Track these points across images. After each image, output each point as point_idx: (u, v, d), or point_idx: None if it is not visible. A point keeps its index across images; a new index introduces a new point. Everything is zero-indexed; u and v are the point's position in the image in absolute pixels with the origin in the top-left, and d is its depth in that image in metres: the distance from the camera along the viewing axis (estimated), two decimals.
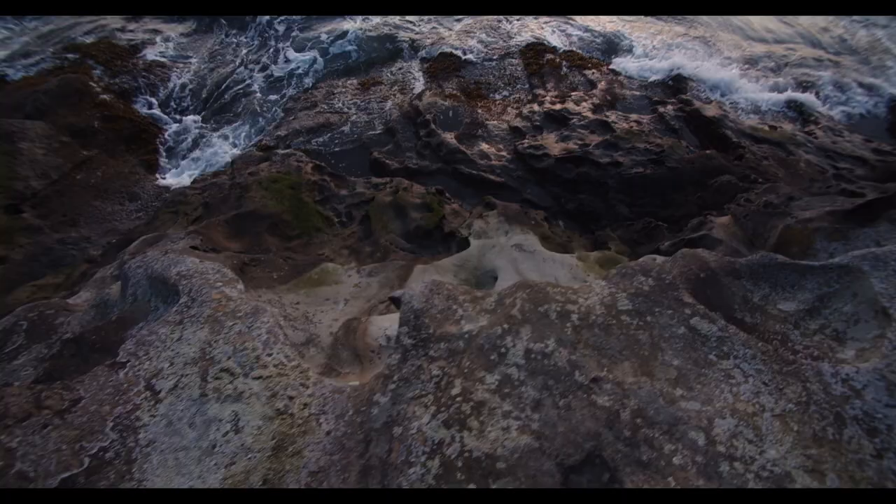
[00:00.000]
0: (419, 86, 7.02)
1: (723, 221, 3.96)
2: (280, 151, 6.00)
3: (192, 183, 5.75)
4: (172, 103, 7.17)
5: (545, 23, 7.94)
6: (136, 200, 5.92)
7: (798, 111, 6.62)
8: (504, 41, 7.74)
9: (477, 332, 1.72)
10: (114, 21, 7.99)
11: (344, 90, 7.10)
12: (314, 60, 7.81)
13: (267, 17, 8.39)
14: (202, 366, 1.84)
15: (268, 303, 3.08)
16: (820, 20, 8.41)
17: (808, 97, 6.78)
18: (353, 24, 8.25)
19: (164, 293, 2.21)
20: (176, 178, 6.21)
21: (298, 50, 8.01)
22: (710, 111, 5.92)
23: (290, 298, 3.21)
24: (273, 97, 7.31)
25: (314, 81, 7.41)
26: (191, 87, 7.48)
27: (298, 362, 1.89)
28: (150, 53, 7.73)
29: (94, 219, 5.72)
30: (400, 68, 7.41)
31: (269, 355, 1.88)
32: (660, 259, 2.17)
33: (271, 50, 8.06)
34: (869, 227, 2.99)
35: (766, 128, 6.02)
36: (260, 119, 7.01)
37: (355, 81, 7.28)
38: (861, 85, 7.13)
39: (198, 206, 4.80)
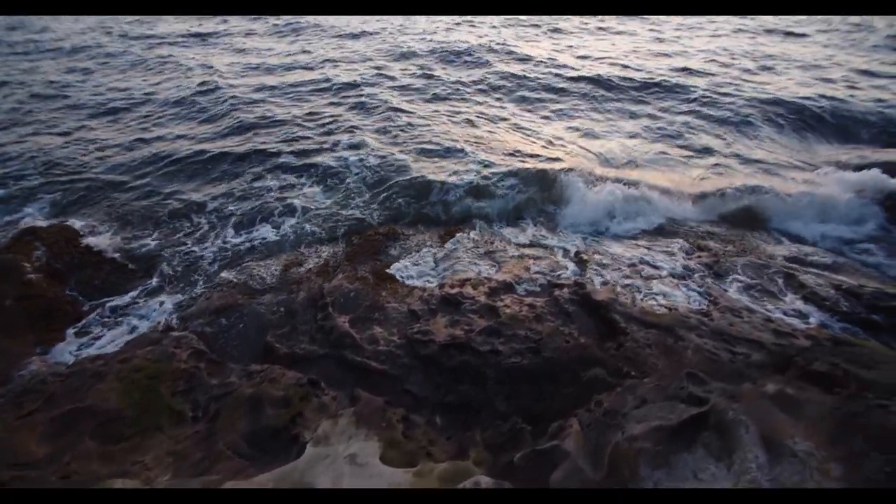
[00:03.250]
0: (336, 268, 7.38)
1: (577, 429, 3.64)
2: (174, 333, 5.95)
3: (69, 366, 5.52)
4: (97, 282, 7.43)
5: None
6: (5, 385, 5.60)
7: (695, 289, 6.83)
8: (424, 225, 8.48)
9: None
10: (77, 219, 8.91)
11: (265, 270, 7.44)
12: (262, 237, 8.45)
13: (217, 203, 9.30)
14: None
15: None
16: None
17: (708, 278, 7.08)
18: (301, 202, 9.15)
19: None
20: (62, 359, 6.00)
21: (239, 231, 8.69)
22: (601, 294, 6.09)
23: None
24: (198, 277, 7.60)
25: (242, 262, 7.80)
26: (126, 266, 7.87)
27: None
28: (98, 239, 8.35)
29: None
30: (325, 250, 7.91)
31: None
32: None
33: (216, 230, 8.73)
34: (687, 453, 2.69)
35: (659, 310, 6.11)
36: (178, 297, 7.16)
37: (280, 261, 7.69)
38: (765, 259, 7.54)
39: (40, 397, 4.49)
